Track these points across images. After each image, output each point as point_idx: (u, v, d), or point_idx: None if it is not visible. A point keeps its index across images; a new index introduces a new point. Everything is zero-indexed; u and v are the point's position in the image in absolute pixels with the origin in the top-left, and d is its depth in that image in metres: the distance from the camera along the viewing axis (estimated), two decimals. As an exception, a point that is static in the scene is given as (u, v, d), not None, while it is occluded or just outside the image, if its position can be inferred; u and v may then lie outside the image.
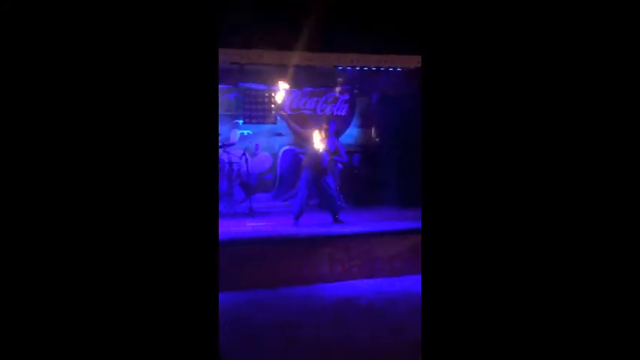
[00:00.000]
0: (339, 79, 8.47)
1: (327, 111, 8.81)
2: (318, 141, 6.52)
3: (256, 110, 8.37)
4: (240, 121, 8.36)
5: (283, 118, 7.72)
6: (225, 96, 8.29)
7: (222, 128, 7.90)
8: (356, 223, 6.61)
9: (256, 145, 8.59)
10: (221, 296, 2.45)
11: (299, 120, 8.32)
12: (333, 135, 6.78)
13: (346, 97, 8.95)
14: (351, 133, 9.06)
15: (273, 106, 8.20)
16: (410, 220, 6.40)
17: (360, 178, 8.70)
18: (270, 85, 7.91)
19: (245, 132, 8.47)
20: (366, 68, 7.49)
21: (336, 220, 6.67)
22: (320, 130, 6.62)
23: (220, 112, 7.57)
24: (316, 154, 6.55)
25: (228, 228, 6.24)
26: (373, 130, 9.09)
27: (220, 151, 7.52)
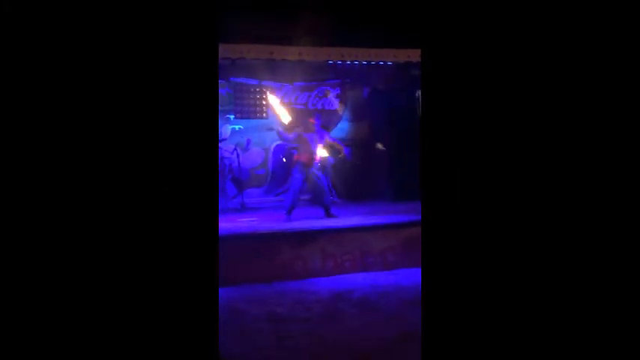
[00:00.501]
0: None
1: (319, 105, 8.81)
2: (309, 137, 6.56)
3: (248, 105, 8.33)
4: (232, 116, 8.33)
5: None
6: (217, 91, 8.25)
7: (215, 124, 7.86)
8: (348, 217, 6.63)
9: (248, 140, 8.57)
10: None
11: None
12: (321, 128, 6.79)
13: (337, 91, 8.95)
14: (343, 127, 9.07)
15: (264, 102, 8.17)
16: (402, 213, 6.45)
17: (352, 172, 8.72)
18: (262, 79, 7.89)
19: (236, 127, 8.45)
20: (357, 62, 7.50)
21: (329, 215, 6.70)
22: (306, 126, 6.65)
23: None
24: (309, 149, 6.57)
25: (220, 224, 6.20)
26: (364, 124, 9.11)
27: (212, 146, 7.48)
